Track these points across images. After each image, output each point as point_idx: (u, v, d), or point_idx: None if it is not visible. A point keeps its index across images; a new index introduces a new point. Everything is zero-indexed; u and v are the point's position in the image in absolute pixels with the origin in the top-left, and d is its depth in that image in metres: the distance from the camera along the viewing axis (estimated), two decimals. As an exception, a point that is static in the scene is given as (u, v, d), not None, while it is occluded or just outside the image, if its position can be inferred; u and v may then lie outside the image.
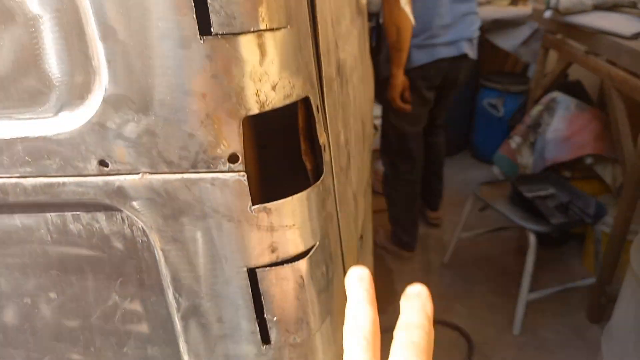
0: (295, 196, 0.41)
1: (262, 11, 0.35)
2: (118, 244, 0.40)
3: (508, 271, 2.29)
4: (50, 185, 0.37)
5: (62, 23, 0.35)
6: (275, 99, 0.38)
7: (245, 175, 0.37)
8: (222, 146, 0.36)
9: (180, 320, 0.43)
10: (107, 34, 0.34)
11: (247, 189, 0.38)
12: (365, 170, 0.98)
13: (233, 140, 0.36)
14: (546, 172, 2.19)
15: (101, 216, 0.39)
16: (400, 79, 1.96)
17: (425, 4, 1.94)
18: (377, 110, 2.88)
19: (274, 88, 0.38)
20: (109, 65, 0.35)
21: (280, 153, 0.46)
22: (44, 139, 0.36)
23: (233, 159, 0.37)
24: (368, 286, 0.35)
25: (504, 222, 2.47)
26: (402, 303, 0.35)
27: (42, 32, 0.35)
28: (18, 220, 0.39)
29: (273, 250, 0.41)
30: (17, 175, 0.37)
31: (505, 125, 3.04)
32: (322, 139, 0.45)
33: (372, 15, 2.31)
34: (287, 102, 0.39)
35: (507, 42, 2.93)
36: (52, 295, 0.43)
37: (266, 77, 0.37)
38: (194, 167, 0.37)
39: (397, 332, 0.32)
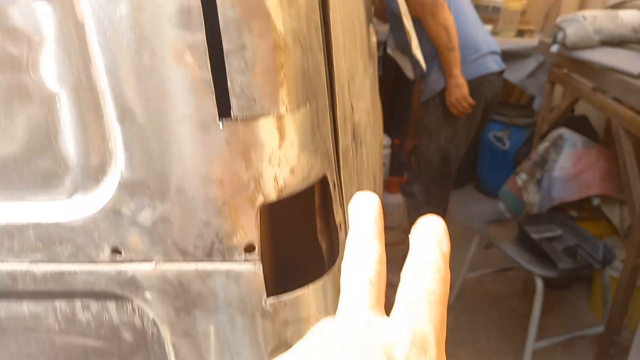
0: (311, 287, 0.39)
1: (283, 94, 0.34)
2: (127, 335, 0.38)
3: (514, 314, 2.25)
4: (61, 273, 0.36)
5: (79, 102, 0.34)
6: (293, 183, 0.37)
7: (261, 266, 0.36)
8: (238, 236, 0.35)
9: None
10: (125, 115, 0.33)
11: (262, 282, 0.36)
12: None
13: (250, 230, 0.35)
14: (553, 211, 2.17)
15: (111, 305, 0.37)
16: (462, 78, 1.93)
17: (465, 21, 1.99)
18: (386, 139, 2.88)
19: (292, 172, 0.36)
20: (126, 148, 0.34)
21: (294, 233, 0.44)
22: (57, 225, 0.35)
23: (249, 248, 0.35)
24: (377, 216, 0.30)
25: (510, 261, 2.44)
26: (414, 238, 0.29)
27: (58, 110, 0.34)
28: (26, 307, 0.38)
29: (287, 347, 0.39)
30: (27, 261, 0.36)
31: (511, 158, 3.03)
32: (338, 217, 0.43)
33: (379, 44, 2.32)
34: (305, 185, 0.38)
35: (513, 74, 2.93)
36: (56, 383, 0.41)
37: (285, 161, 0.36)
38: (208, 257, 0.35)
39: (406, 275, 0.27)
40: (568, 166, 2.20)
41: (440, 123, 2.09)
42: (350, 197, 0.50)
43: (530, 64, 2.90)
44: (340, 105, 0.46)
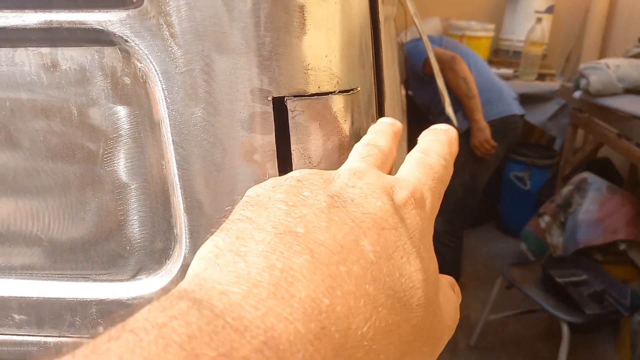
0: None
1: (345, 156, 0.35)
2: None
3: (538, 356, 2.20)
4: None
5: (148, 192, 0.36)
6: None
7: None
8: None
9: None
10: (192, 206, 0.35)
11: None
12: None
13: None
14: (578, 255, 2.14)
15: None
16: (483, 122, 2.11)
17: (486, 70, 2.24)
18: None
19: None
20: (191, 235, 0.35)
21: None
22: (119, 302, 0.37)
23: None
24: (397, 128, 0.33)
25: (533, 303, 2.40)
26: (424, 133, 0.32)
27: (128, 200, 0.36)
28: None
29: None
30: (88, 336, 0.37)
31: (533, 198, 3.01)
32: None
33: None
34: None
35: (534, 116, 2.94)
36: None
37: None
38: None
39: (409, 154, 0.30)
40: (593, 210, 2.18)
41: (464, 160, 2.21)
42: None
43: (551, 107, 2.91)
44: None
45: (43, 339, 0.38)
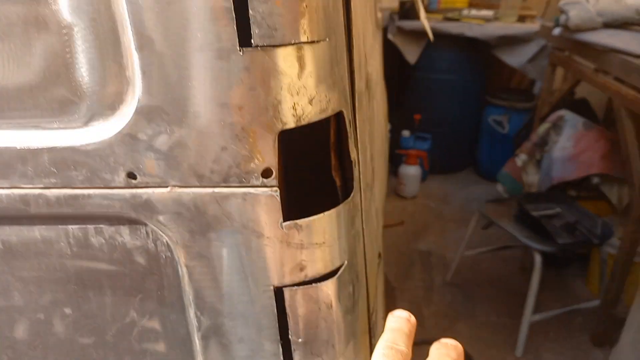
0: (327, 213, 0.39)
1: (304, 23, 0.34)
2: (140, 259, 0.38)
3: (511, 291, 2.27)
4: (75, 197, 0.36)
5: (96, 32, 0.34)
6: (311, 113, 0.37)
7: (278, 191, 0.36)
8: (256, 160, 0.35)
9: (200, 339, 0.42)
10: (143, 44, 0.33)
11: (279, 205, 0.36)
12: (384, 186, 0.97)
13: (268, 155, 0.35)
14: (552, 191, 2.18)
15: (125, 230, 0.37)
16: None
17: None
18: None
19: (310, 102, 0.36)
20: (144, 75, 0.33)
21: (308, 169, 0.44)
22: (72, 149, 0.35)
23: (267, 173, 0.36)
24: (410, 330, 0.38)
25: (507, 240, 2.46)
26: (437, 346, 0.37)
27: (75, 40, 0.34)
28: (37, 232, 0.38)
29: (302, 269, 0.39)
30: (41, 186, 0.36)
31: (510, 142, 3.04)
32: (353, 154, 0.43)
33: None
34: (323, 116, 0.38)
35: (514, 58, 2.93)
36: (68, 310, 0.41)
37: (304, 91, 0.36)
38: (225, 182, 0.35)
39: None
40: (568, 146, 2.20)
41: None
42: (363, 141, 0.50)
43: (531, 49, 2.90)
44: (356, 49, 0.46)
45: (-7, 191, 0.36)
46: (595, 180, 2.13)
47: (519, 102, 3.05)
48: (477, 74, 3.20)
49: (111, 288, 0.40)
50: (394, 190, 3.15)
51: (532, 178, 2.35)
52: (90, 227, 0.38)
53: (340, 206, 0.41)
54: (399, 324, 0.38)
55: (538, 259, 1.78)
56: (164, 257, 0.39)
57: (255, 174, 0.35)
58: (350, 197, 0.42)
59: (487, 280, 2.35)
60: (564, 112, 2.31)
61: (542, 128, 2.34)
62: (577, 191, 2.21)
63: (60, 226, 0.38)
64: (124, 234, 0.38)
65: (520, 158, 2.39)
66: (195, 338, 0.42)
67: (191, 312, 0.41)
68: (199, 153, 0.35)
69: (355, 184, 0.44)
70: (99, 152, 0.35)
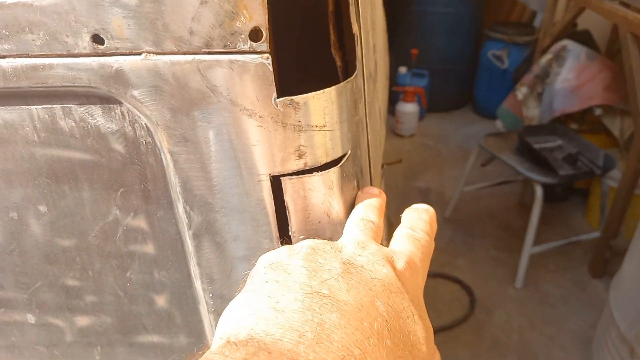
0: (326, 90, 0.34)
1: None
2: (118, 146, 0.34)
3: (510, 226, 2.26)
4: (35, 67, 0.31)
5: None
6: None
7: (270, 58, 0.31)
8: (242, 18, 0.30)
9: (191, 238, 0.37)
10: None
11: (272, 76, 0.31)
12: (385, 102, 0.92)
13: (256, 11, 0.30)
14: (554, 123, 2.13)
15: (97, 110, 0.32)
16: None
17: None
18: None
19: (304, -48, 0.31)
20: None
21: (304, 45, 0.39)
22: (24, 5, 0.29)
23: (255, 35, 0.30)
24: (382, 203, 0.37)
25: (507, 176, 2.43)
26: (408, 212, 0.37)
27: None
28: (-3, 113, 0.33)
29: (300, 156, 0.35)
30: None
31: (510, 78, 2.96)
32: (354, 27, 0.38)
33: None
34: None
35: (515, -10, 2.81)
36: (42, 208, 0.37)
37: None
38: (207, 46, 0.30)
39: (399, 230, 0.35)
40: (571, 78, 2.14)
41: None
42: (365, 19, 0.44)
43: (532, -21, 2.77)
44: None
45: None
46: (598, 111, 2.08)
47: (519, 35, 2.95)
48: (475, 7, 3.08)
49: (88, 181, 0.35)
50: (392, 128, 3.09)
51: (533, 112, 2.30)
52: (57, 107, 0.33)
53: (342, 84, 0.35)
54: (369, 200, 0.37)
55: (539, 190, 1.76)
56: (144, 142, 0.34)
57: (242, 36, 0.30)
58: (353, 77, 0.37)
59: (486, 215, 2.34)
60: (566, 42, 2.23)
61: (544, 59, 2.27)
62: (579, 124, 2.17)
63: (22, 107, 0.33)
64: (97, 116, 0.33)
65: (521, 91, 2.33)
66: (187, 237, 0.38)
67: (180, 208, 0.36)
68: (174, 9, 0.29)
69: (358, 63, 0.38)
70: (57, 9, 0.29)
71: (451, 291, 1.93)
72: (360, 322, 0.24)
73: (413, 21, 3.09)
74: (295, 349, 0.21)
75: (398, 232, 0.35)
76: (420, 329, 0.27)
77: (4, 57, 0.31)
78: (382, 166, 0.69)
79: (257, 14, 0.30)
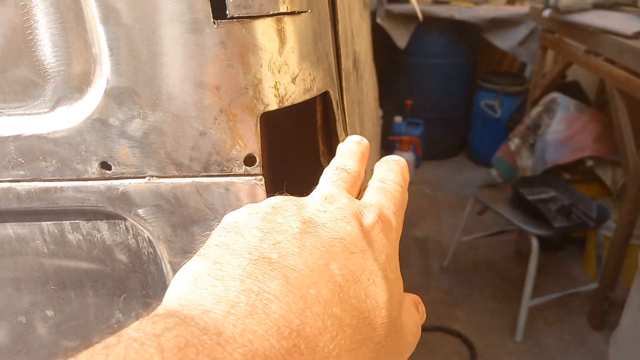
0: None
1: None
2: (122, 256, 0.36)
3: (508, 276, 2.26)
4: (47, 190, 0.33)
5: (57, 3, 0.31)
6: (295, 93, 0.34)
7: (263, 180, 0.34)
8: (237, 147, 0.33)
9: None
10: (108, 16, 0.30)
11: (265, 194, 0.34)
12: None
13: (250, 140, 0.33)
14: (546, 174, 2.17)
15: (103, 225, 0.35)
16: None
17: None
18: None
19: (293, 80, 0.34)
20: (111, 52, 0.31)
21: (294, 156, 0.42)
22: (39, 137, 0.32)
23: (250, 161, 0.33)
24: (363, 149, 0.35)
25: (503, 225, 2.45)
26: (379, 165, 0.35)
27: (35, 14, 0.31)
28: (11, 229, 0.35)
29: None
30: (9, 179, 0.33)
31: (503, 126, 3.02)
32: (341, 138, 0.41)
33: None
34: (307, 97, 0.35)
35: (505, 41, 2.91)
36: (49, 312, 0.39)
37: (286, 68, 0.33)
38: (206, 170, 0.33)
39: (370, 182, 0.33)
40: (561, 129, 2.19)
41: None
42: (353, 124, 0.48)
43: (521, 32, 2.88)
44: (342, 23, 0.44)
45: (-43, 187, 0.34)
46: (589, 162, 2.12)
47: (510, 85, 3.03)
48: (467, 57, 3.17)
49: (93, 288, 0.38)
50: (388, 178, 3.12)
51: (526, 162, 2.34)
52: (66, 222, 0.35)
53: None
54: (348, 147, 0.35)
55: (535, 243, 1.77)
56: (146, 253, 0.36)
57: (238, 162, 0.33)
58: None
59: (484, 265, 2.34)
60: (556, 95, 2.29)
61: (535, 111, 2.33)
62: (571, 174, 2.20)
63: (34, 223, 0.36)
64: (103, 230, 0.35)
65: (514, 142, 2.38)
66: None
67: (177, 309, 0.38)
68: (176, 139, 0.32)
69: None
70: (69, 140, 0.32)
71: (451, 345, 1.91)
72: (307, 290, 0.22)
73: (407, 72, 3.18)
74: (223, 321, 0.19)
75: (368, 186, 0.32)
76: (381, 292, 0.25)
77: (18, 181, 0.33)
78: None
79: (251, 143, 0.33)
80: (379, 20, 2.95)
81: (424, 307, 0.33)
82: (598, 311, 1.92)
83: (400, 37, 3.01)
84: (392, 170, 0.34)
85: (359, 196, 0.31)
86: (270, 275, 0.22)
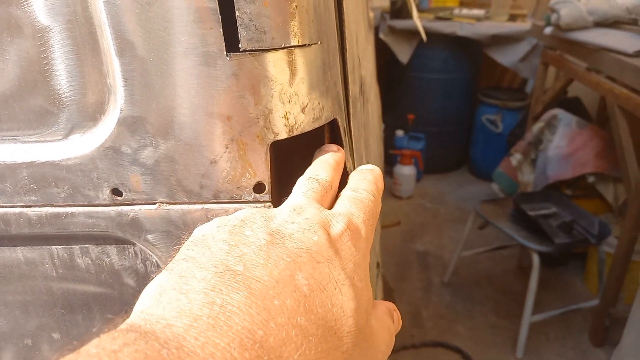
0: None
1: (295, 25, 0.32)
2: (129, 280, 0.36)
3: (509, 291, 2.26)
4: (58, 215, 0.34)
5: (74, 36, 0.32)
6: (304, 122, 0.35)
7: (272, 207, 0.34)
8: (247, 175, 0.33)
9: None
10: (124, 48, 0.31)
11: None
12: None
13: (260, 168, 0.33)
14: (548, 190, 2.17)
15: (112, 250, 0.35)
16: None
17: None
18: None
19: (303, 110, 0.35)
20: (126, 83, 0.31)
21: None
22: (52, 164, 0.33)
23: (259, 188, 0.34)
24: (338, 158, 0.35)
25: (504, 240, 2.45)
26: (353, 175, 0.35)
27: (51, 45, 0.32)
28: (20, 253, 0.36)
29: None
30: (21, 204, 0.34)
31: (504, 141, 3.03)
32: (349, 164, 0.41)
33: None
34: (316, 125, 0.36)
35: (506, 57, 2.93)
36: (56, 335, 0.39)
37: (296, 98, 0.34)
38: (216, 197, 0.34)
39: (342, 191, 0.33)
40: (563, 145, 2.20)
41: None
42: (359, 149, 0.48)
43: (522, 48, 2.90)
44: (350, 52, 0.44)
45: (-30, 211, 0.34)
46: (591, 179, 2.12)
47: (511, 100, 3.05)
48: (469, 73, 3.19)
49: (100, 311, 0.38)
50: (390, 190, 3.13)
51: (528, 177, 2.34)
52: (76, 247, 0.36)
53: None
54: (323, 157, 0.35)
55: (536, 259, 1.77)
56: (154, 277, 0.37)
57: (247, 189, 0.33)
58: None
59: (485, 280, 2.34)
60: (557, 111, 2.30)
61: (536, 127, 2.34)
62: (573, 190, 2.21)
63: (44, 247, 0.36)
64: (112, 254, 0.36)
65: (515, 157, 2.38)
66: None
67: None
68: (187, 167, 0.33)
69: None
70: (81, 167, 0.33)
71: (452, 360, 1.90)
72: (271, 301, 0.22)
73: (409, 86, 3.20)
74: (184, 334, 0.19)
75: (340, 196, 0.32)
76: (348, 300, 0.25)
77: (30, 206, 0.34)
78: (378, 265, 0.72)
79: (261, 171, 0.33)
80: (381, 35, 2.97)
81: (399, 314, 0.33)
82: (600, 328, 1.91)
83: (403, 53, 3.04)
84: (365, 179, 0.34)
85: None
86: (234, 288, 0.22)
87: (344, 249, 0.27)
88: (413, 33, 2.94)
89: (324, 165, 0.34)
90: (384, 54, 3.03)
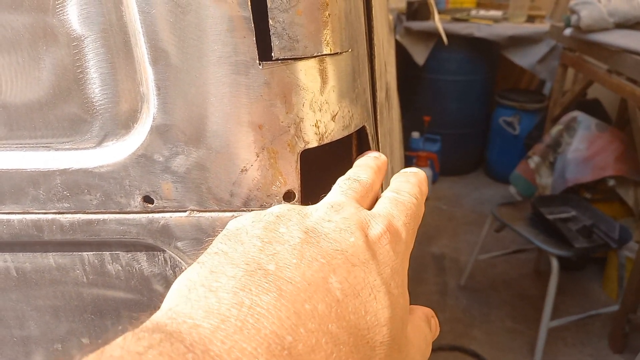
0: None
1: (327, 34, 0.32)
2: (159, 287, 0.37)
3: (526, 295, 2.23)
4: (90, 222, 0.34)
5: (108, 44, 0.32)
6: (334, 131, 0.35)
7: (302, 214, 0.34)
8: (277, 183, 0.33)
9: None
10: (158, 57, 0.31)
11: None
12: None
13: (290, 176, 0.33)
14: (567, 193, 2.15)
15: (142, 256, 0.36)
16: None
17: None
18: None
19: (333, 118, 0.34)
20: (159, 92, 0.32)
21: (329, 189, 0.42)
22: (85, 171, 0.33)
23: (289, 196, 0.34)
24: (380, 163, 0.35)
25: (520, 243, 2.42)
26: (396, 177, 0.34)
27: (86, 54, 0.32)
28: (52, 259, 0.36)
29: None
30: (54, 211, 0.34)
31: (521, 143, 3.00)
32: None
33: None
34: (345, 133, 0.36)
35: (524, 59, 2.90)
36: (85, 340, 0.39)
37: (326, 107, 0.34)
38: (246, 205, 0.34)
39: (384, 193, 0.32)
40: (582, 148, 2.17)
41: None
42: (385, 155, 0.48)
43: (541, 49, 2.86)
44: (377, 58, 0.44)
45: (6, 217, 0.35)
46: (611, 182, 2.09)
47: (529, 102, 3.01)
48: (486, 74, 3.17)
49: (129, 317, 0.38)
50: (404, 193, 3.12)
51: (546, 180, 2.32)
52: (107, 253, 0.36)
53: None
54: (364, 160, 0.34)
55: (555, 263, 1.75)
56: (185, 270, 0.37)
57: (277, 197, 0.33)
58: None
59: (501, 284, 2.32)
60: (576, 114, 2.27)
61: (555, 130, 2.31)
62: (592, 193, 2.18)
63: (75, 253, 0.36)
64: (142, 261, 0.36)
65: (533, 160, 2.36)
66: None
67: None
68: (217, 175, 0.33)
69: None
70: (114, 175, 0.33)
71: (468, 364, 1.89)
72: (301, 305, 0.21)
73: (425, 88, 3.18)
74: (211, 337, 0.18)
75: (382, 196, 0.31)
76: (383, 308, 0.23)
77: (62, 213, 0.34)
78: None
79: (291, 179, 0.33)
80: (398, 37, 2.96)
81: (437, 320, 0.31)
82: (619, 334, 1.88)
83: (419, 54, 3.02)
84: (409, 181, 0.33)
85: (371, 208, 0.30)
86: (264, 288, 0.21)
87: (382, 252, 0.25)
88: (429, 34, 2.92)
89: (365, 167, 0.33)
90: (400, 55, 3.01)
